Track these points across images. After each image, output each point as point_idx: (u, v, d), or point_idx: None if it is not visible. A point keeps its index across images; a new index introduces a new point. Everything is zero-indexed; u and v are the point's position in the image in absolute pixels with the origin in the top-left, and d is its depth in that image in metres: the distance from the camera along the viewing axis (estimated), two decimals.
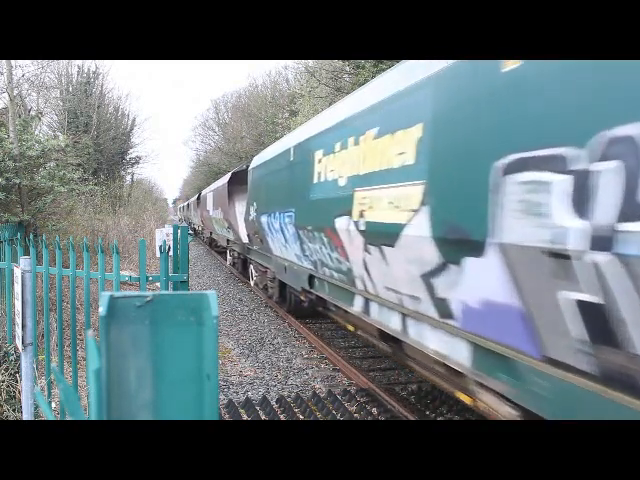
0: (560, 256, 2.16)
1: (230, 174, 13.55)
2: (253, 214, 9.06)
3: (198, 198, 26.16)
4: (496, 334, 2.83)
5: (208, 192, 19.73)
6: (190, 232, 29.95)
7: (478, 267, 2.80)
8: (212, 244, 23.41)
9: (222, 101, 41.67)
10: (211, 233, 21.34)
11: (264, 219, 8.08)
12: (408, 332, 3.97)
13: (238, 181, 13.05)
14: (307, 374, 6.15)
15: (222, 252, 20.41)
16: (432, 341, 3.59)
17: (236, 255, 14.14)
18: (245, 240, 11.38)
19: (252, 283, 11.94)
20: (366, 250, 4.19)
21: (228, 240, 15.26)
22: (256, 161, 9.67)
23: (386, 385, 5.65)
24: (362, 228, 4.11)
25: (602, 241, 1.95)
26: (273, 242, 7.97)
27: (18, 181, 8.98)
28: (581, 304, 2.16)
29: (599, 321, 2.09)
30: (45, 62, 15.01)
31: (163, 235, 7.53)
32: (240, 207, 12.72)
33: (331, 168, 4.93)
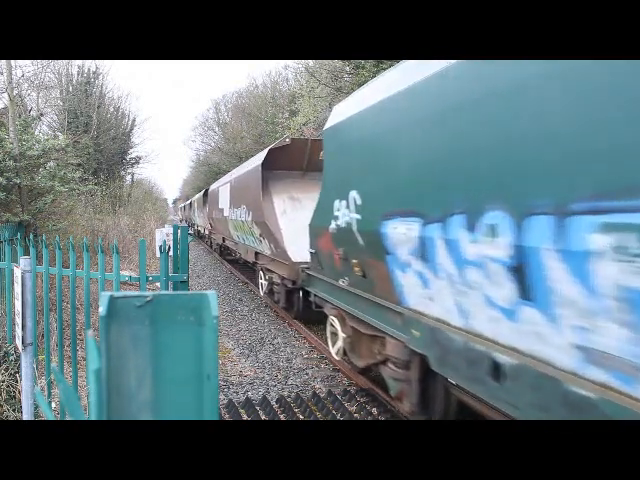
0: None
1: (266, 152, 8.78)
2: (345, 217, 4.67)
3: (205, 194, 21.42)
4: None
5: (221, 185, 14.54)
6: (190, 232, 29.38)
7: None
8: (224, 252, 17.86)
9: (222, 101, 41.74)
10: (224, 240, 15.69)
11: (396, 228, 3.71)
12: None
13: (278, 163, 8.81)
14: (307, 374, 6.15)
15: (231, 259, 16.54)
16: None
17: (277, 281, 8.70)
18: (296, 258, 7.50)
19: (333, 350, 5.99)
20: None
21: (257, 254, 10.28)
22: (358, 103, 4.61)
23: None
24: None
25: None
26: (428, 284, 3.46)
27: (18, 181, 8.98)
28: None
29: None
30: (45, 62, 15.02)
31: (163, 235, 7.51)
32: (282, 204, 8.81)
33: None
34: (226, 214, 13.00)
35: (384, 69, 13.24)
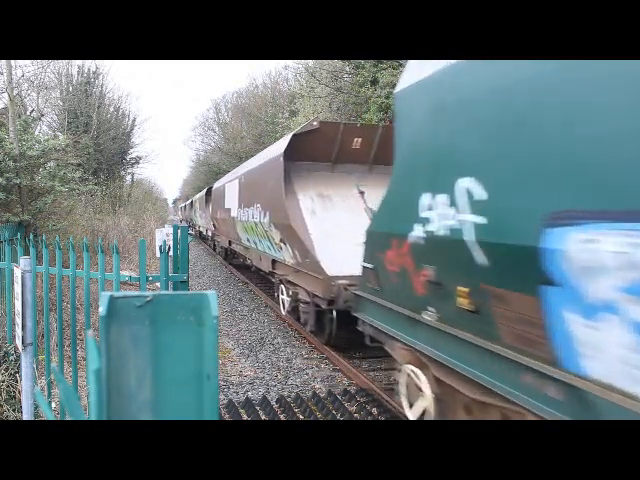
0: None
1: (289, 138, 7.20)
2: (447, 220, 3.13)
3: (208, 193, 19.92)
4: None
5: (228, 182, 12.87)
6: (190, 232, 29.19)
7: None
8: (229, 256, 16.20)
9: (222, 101, 41.80)
10: (230, 243, 13.97)
11: (593, 243, 2.10)
12: None
13: (302, 153, 7.33)
14: (307, 374, 6.15)
15: (240, 265, 14.67)
16: None
17: (304, 298, 7.04)
18: (332, 272, 6.03)
19: (411, 413, 3.98)
20: None
21: (275, 262, 8.52)
22: None
23: (386, 385, 5.65)
24: None
25: None
26: None
27: (18, 181, 8.99)
28: None
29: None
30: (45, 62, 15.03)
31: (163, 235, 7.51)
32: (310, 202, 7.26)
33: None
34: (234, 214, 11.43)
35: (384, 69, 13.23)
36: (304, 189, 7.39)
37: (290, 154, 7.15)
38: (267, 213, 8.01)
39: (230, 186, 12.28)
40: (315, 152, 7.48)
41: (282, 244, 7.55)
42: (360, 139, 7.68)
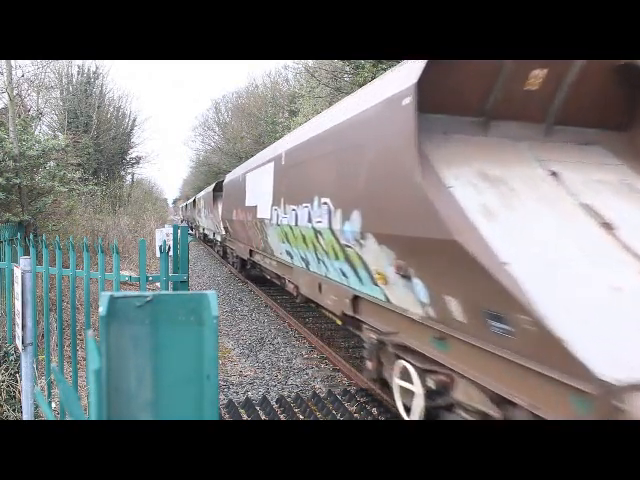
0: None
1: (422, 68, 3.21)
2: None
3: (217, 188, 16.54)
4: None
5: (253, 168, 9.31)
6: (190, 233, 29.09)
7: None
8: (247, 269, 12.39)
9: (222, 101, 41.82)
10: (252, 253, 10.48)
11: None
12: None
13: (438, 97, 3.60)
14: (307, 374, 6.15)
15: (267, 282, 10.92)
16: None
17: (481, 408, 2.86)
18: (617, 374, 1.90)
19: None
20: None
21: (359, 300, 4.79)
22: None
23: (386, 385, 5.65)
24: None
25: None
26: None
27: (18, 181, 8.99)
28: None
29: None
30: (45, 62, 15.03)
31: (163, 235, 7.51)
32: (472, 190, 3.29)
33: None
34: (262, 215, 8.02)
35: (383, 69, 13.24)
36: (450, 165, 3.54)
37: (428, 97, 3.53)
38: (353, 214, 4.36)
39: (255, 175, 8.80)
40: (458, 96, 3.81)
41: (400, 276, 3.79)
42: (545, 71, 3.87)
